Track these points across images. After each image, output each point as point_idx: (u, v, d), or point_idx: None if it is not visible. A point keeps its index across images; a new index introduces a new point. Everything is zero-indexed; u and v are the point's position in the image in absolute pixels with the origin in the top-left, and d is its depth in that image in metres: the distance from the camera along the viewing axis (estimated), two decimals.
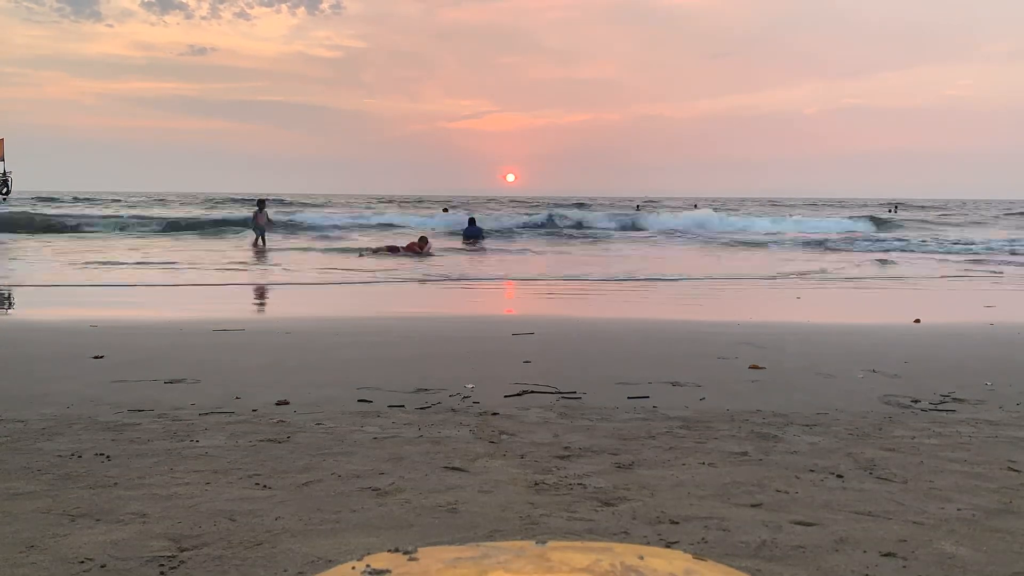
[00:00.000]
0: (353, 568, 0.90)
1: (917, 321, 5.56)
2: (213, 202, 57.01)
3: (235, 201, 55.28)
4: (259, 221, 21.42)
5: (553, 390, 5.02)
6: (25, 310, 9.71)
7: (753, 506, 2.98)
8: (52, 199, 55.47)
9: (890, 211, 55.11)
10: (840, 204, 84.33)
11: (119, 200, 60.97)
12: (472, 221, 24.65)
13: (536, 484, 3.21)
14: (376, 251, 19.00)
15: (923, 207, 68.25)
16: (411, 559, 0.93)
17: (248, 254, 18.95)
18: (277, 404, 4.62)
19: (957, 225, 38.56)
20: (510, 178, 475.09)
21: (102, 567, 2.39)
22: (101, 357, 5.93)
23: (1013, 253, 21.76)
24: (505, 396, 4.85)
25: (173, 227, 28.95)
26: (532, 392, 4.95)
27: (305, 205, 50.60)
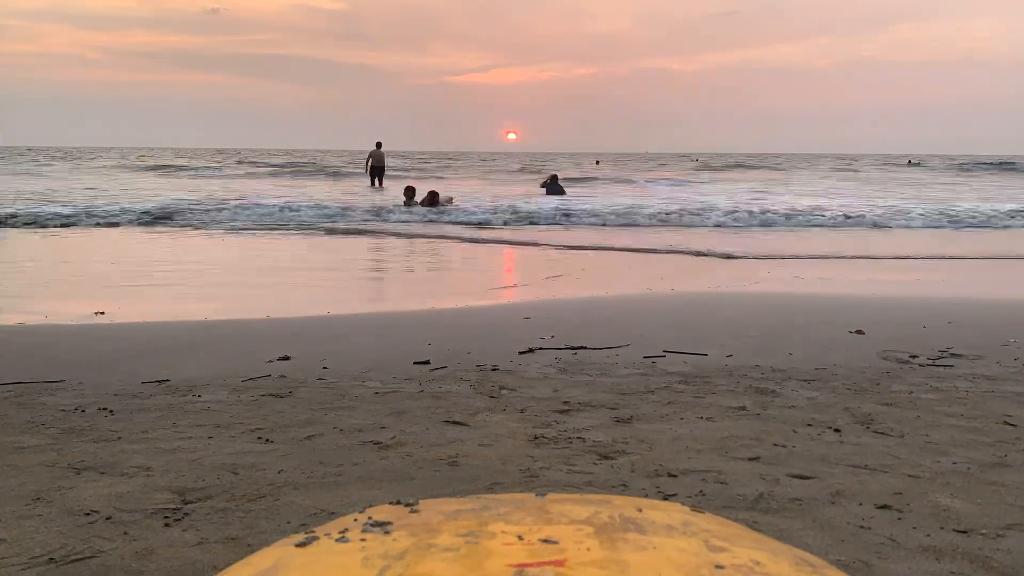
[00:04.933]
0: (355, 520, 0.91)
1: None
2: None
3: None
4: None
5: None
6: None
7: (751, 459, 3.01)
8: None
9: (909, 163, 54.53)
10: (852, 159, 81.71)
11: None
12: (554, 178, 24.35)
13: (536, 438, 3.24)
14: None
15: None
16: (412, 511, 0.94)
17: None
18: (279, 359, 4.64)
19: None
20: (511, 136, 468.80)
21: (108, 519, 2.42)
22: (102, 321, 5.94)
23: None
24: (517, 353, 4.88)
25: None
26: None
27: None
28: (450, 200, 18.07)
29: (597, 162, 49.67)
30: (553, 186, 23.53)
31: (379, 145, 26.37)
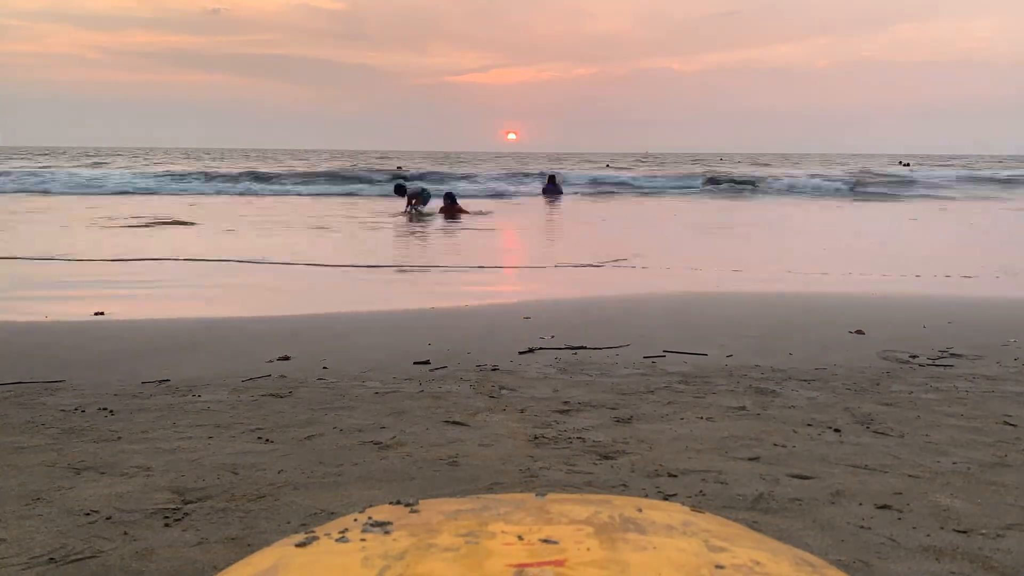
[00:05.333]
0: (355, 520, 0.91)
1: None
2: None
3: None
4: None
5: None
6: None
7: (751, 459, 3.01)
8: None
9: (901, 163, 54.15)
10: (848, 158, 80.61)
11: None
12: (552, 179, 23.79)
13: (536, 438, 3.24)
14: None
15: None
16: (412, 511, 0.94)
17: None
18: (279, 359, 4.64)
19: None
20: (511, 137, 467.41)
21: (107, 519, 2.42)
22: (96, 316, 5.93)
23: None
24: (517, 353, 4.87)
25: None
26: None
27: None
28: (464, 211, 16.51)
29: (608, 164, 48.66)
30: (550, 187, 23.51)
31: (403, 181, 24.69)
